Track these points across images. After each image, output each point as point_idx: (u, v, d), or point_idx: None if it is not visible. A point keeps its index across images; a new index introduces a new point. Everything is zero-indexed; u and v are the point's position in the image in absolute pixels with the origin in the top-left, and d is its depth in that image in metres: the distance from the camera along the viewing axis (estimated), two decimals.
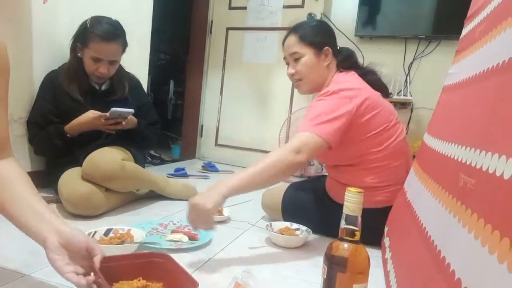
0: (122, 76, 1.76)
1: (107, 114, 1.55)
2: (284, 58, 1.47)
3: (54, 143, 1.61)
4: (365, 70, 1.48)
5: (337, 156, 1.38)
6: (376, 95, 1.39)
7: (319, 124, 1.22)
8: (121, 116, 1.59)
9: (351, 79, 1.39)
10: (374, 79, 1.45)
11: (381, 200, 1.35)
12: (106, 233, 1.16)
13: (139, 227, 1.34)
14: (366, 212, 1.34)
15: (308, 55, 1.39)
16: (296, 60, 1.41)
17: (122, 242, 1.10)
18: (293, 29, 1.44)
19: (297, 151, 1.17)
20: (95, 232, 1.14)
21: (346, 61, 1.46)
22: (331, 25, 2.93)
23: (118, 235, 1.15)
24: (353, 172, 1.38)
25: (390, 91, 1.56)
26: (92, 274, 0.73)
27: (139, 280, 0.81)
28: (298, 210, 1.51)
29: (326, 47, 1.41)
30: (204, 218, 1.07)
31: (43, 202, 0.82)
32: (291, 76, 1.45)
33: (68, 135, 1.60)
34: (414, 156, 1.36)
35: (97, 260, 0.72)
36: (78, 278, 0.70)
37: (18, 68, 1.65)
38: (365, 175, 1.36)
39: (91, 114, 1.57)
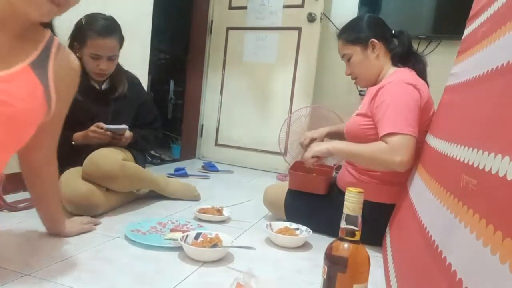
0: (121, 74, 1.76)
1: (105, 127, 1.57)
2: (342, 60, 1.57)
3: (60, 151, 1.61)
4: (418, 58, 1.48)
5: (375, 138, 1.33)
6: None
7: (404, 123, 1.24)
8: (116, 134, 1.61)
9: (410, 73, 1.40)
10: (420, 70, 1.45)
11: (392, 196, 1.35)
12: (196, 237, 1.22)
13: (138, 226, 1.34)
14: (376, 207, 1.35)
15: (355, 53, 1.46)
16: (348, 60, 1.49)
17: (215, 246, 1.16)
18: (338, 35, 1.53)
19: (395, 152, 1.20)
20: (187, 235, 1.20)
21: (400, 47, 1.47)
22: (331, 25, 2.98)
23: (208, 239, 1.20)
24: None
25: None
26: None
27: None
28: (300, 207, 1.52)
29: (371, 40, 1.44)
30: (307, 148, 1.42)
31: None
32: (348, 75, 1.53)
33: (74, 143, 1.61)
34: None
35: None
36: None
37: None
38: None
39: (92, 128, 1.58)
